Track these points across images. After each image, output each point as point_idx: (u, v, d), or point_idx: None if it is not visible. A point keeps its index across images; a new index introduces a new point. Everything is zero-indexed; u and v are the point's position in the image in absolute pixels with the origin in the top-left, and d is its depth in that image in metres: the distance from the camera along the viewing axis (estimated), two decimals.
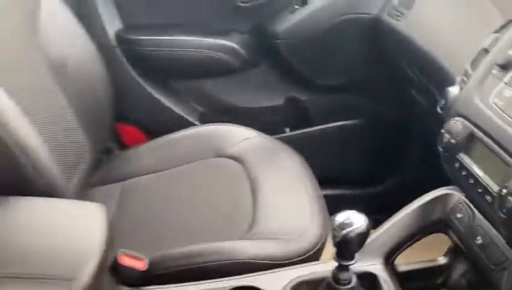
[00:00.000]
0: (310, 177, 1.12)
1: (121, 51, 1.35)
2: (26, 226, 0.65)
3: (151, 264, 0.85)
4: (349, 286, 0.72)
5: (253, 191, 1.06)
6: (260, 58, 1.44)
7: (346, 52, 1.38)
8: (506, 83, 0.70)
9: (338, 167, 1.45)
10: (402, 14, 1.22)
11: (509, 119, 0.66)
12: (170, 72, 1.43)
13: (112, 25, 1.34)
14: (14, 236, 0.62)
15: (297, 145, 1.24)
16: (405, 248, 0.89)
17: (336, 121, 1.47)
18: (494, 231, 0.74)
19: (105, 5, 1.32)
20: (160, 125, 1.39)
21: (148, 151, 1.26)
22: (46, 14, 1.08)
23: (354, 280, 0.73)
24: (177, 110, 1.44)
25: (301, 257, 0.90)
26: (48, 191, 0.81)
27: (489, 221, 0.75)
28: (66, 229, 0.66)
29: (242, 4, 1.37)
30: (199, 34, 1.38)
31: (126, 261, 0.81)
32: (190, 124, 1.39)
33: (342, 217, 0.68)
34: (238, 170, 1.14)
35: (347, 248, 0.68)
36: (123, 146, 1.44)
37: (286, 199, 1.05)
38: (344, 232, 0.66)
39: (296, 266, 0.86)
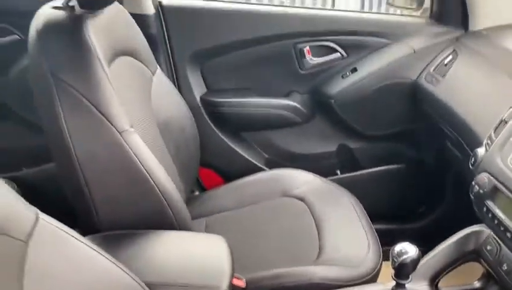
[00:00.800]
0: (363, 213, 1.36)
1: (204, 110, 1.65)
2: (178, 252, 0.92)
3: (248, 283, 1.11)
4: None
5: (318, 225, 1.29)
6: (317, 114, 1.72)
7: (389, 109, 1.64)
8: None
9: (384, 205, 1.68)
10: (438, 80, 1.48)
11: None
12: (243, 125, 1.71)
13: (199, 89, 1.65)
14: (172, 259, 0.89)
15: (348, 186, 1.49)
16: (446, 273, 1.13)
17: (381, 165, 1.73)
18: None
19: (193, 75, 1.64)
20: (234, 169, 1.67)
21: (226, 192, 1.49)
22: (155, 83, 1.31)
23: None
24: (248, 156, 1.71)
25: (362, 279, 1.15)
26: (183, 225, 1.04)
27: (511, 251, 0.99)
28: (204, 256, 0.93)
29: (302, 72, 1.67)
30: (266, 95, 1.68)
31: (233, 280, 1.07)
32: (259, 169, 1.66)
33: (399, 247, 0.93)
34: (302, 208, 1.36)
35: (403, 270, 0.93)
36: (203, 188, 1.73)
37: (346, 232, 1.28)
38: (401, 258, 0.92)
39: (359, 286, 1.11)
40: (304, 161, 1.73)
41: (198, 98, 1.64)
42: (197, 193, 1.69)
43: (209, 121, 1.67)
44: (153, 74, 1.33)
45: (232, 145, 1.71)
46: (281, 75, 1.67)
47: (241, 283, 1.10)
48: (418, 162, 1.70)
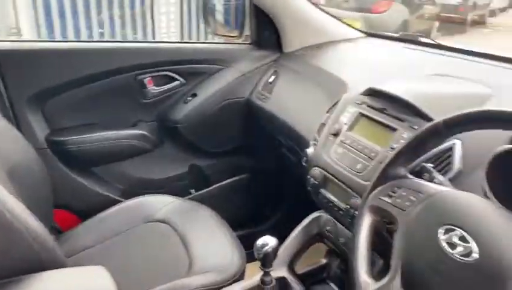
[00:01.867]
0: (222, 223, 1.50)
1: (51, 150, 1.63)
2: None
3: None
4: (271, 285, 1.13)
5: (184, 241, 1.37)
6: (165, 139, 1.83)
7: (229, 127, 1.84)
8: (337, 144, 1.21)
9: (239, 213, 1.86)
10: (266, 97, 1.73)
11: (343, 164, 1.16)
12: (93, 161, 1.72)
13: (43, 130, 1.62)
14: None
15: (204, 201, 1.63)
16: (300, 257, 1.34)
17: (229, 178, 1.92)
18: (348, 231, 1.22)
19: (34, 117, 1.60)
20: (90, 206, 1.65)
21: (85, 230, 1.46)
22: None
23: (274, 281, 1.14)
24: (102, 191, 1.74)
25: (233, 279, 1.29)
26: (52, 263, 0.97)
27: (345, 227, 1.24)
28: (90, 287, 0.95)
29: (145, 101, 1.76)
30: (114, 127, 1.73)
31: None
32: (116, 201, 1.69)
33: (261, 240, 1.10)
34: (166, 229, 1.44)
35: (267, 259, 1.09)
36: (59, 231, 1.68)
37: (211, 242, 1.40)
38: (264, 249, 1.08)
39: (231, 286, 1.25)
40: (159, 186, 1.82)
41: (43, 139, 1.62)
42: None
43: (57, 161, 1.65)
44: None
45: (85, 182, 1.72)
46: (125, 106, 1.74)
47: None
48: (260, 171, 1.93)
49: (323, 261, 1.39)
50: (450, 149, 1.00)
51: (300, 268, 1.34)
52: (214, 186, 1.89)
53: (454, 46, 1.58)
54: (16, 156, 1.31)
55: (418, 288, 0.74)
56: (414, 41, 1.70)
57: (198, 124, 1.79)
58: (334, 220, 1.27)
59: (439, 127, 0.79)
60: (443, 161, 1.00)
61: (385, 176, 0.86)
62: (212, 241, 1.41)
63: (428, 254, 0.73)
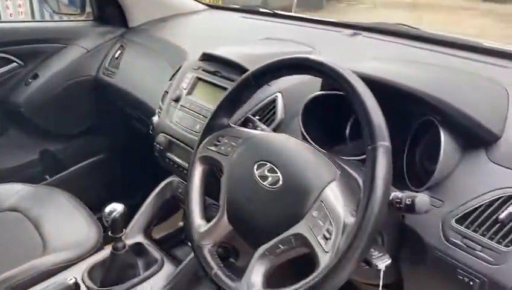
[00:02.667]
0: (78, 204, 1.47)
1: None
2: None
3: None
4: (124, 251, 1.15)
5: (36, 226, 1.33)
6: (10, 126, 1.72)
7: (79, 107, 1.79)
8: (178, 109, 1.26)
9: (98, 194, 1.83)
10: (113, 72, 1.71)
11: (184, 127, 1.21)
12: None
13: None
14: None
15: (60, 186, 1.58)
16: (157, 223, 1.38)
17: (85, 160, 1.87)
18: None
19: None
20: None
21: None
22: None
23: (126, 246, 1.16)
24: None
25: (89, 254, 1.28)
26: None
27: None
28: None
29: None
30: None
31: None
32: None
33: (108, 208, 1.11)
34: (17, 217, 1.39)
35: (116, 225, 1.11)
36: None
37: (66, 223, 1.38)
38: (111, 216, 1.10)
39: (85, 260, 1.24)
40: (9, 175, 1.71)
41: None
42: None
43: None
44: None
45: None
46: None
47: None
48: (117, 149, 1.91)
49: (181, 224, 1.45)
50: (274, 101, 1.10)
51: (157, 234, 1.39)
52: (70, 169, 1.84)
53: (288, 14, 1.72)
54: None
55: (239, 220, 0.83)
56: (253, 12, 1.80)
57: (44, 106, 1.72)
58: (182, 180, 1.33)
59: (249, 79, 0.88)
60: (268, 113, 1.10)
61: (210, 128, 0.93)
62: (67, 222, 1.39)
63: (245, 188, 0.82)
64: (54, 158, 1.84)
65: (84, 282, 1.15)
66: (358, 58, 1.14)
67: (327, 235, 0.70)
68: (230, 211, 0.84)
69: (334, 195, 0.74)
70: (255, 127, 0.99)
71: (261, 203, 0.79)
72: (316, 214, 0.72)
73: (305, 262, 0.75)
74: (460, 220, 0.79)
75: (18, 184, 1.50)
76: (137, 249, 1.26)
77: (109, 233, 1.13)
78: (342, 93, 0.88)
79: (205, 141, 0.92)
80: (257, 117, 1.08)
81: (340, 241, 0.68)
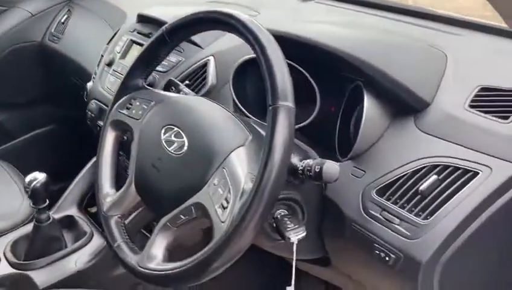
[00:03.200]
0: (18, 176, 1.37)
1: None
2: None
3: None
4: (47, 223, 1.08)
5: None
6: None
7: (24, 74, 1.69)
8: (110, 74, 1.18)
9: (47, 167, 1.76)
10: (59, 38, 1.62)
11: (110, 90, 1.14)
12: None
13: None
14: None
15: (5, 156, 1.51)
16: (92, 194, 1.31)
17: (32, 131, 1.79)
18: None
19: None
20: None
21: None
22: None
23: (51, 218, 1.09)
24: None
25: (22, 224, 1.20)
26: None
27: None
28: None
29: None
30: None
31: None
32: None
33: (28, 177, 1.04)
34: None
35: (37, 195, 1.04)
36: None
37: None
38: (32, 185, 1.03)
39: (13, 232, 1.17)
40: None
41: None
42: None
43: None
44: None
45: None
46: None
47: None
48: (67, 119, 1.83)
49: None
50: (205, 65, 1.03)
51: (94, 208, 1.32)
52: (18, 140, 1.76)
53: None
54: None
55: (145, 189, 0.77)
56: None
57: None
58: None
59: (162, 36, 0.80)
60: (199, 78, 1.03)
61: (124, 90, 0.86)
62: (2, 192, 1.32)
63: (152, 154, 0.75)
64: (0, 128, 1.75)
65: (5, 255, 1.08)
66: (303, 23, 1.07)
67: (225, 204, 0.63)
68: (138, 179, 0.77)
69: (239, 161, 0.67)
70: (178, 91, 0.92)
71: (166, 171, 0.73)
72: (217, 181, 0.66)
73: None
74: (380, 191, 0.74)
75: None
76: (67, 222, 1.19)
77: (30, 204, 1.07)
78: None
79: (118, 103, 0.85)
80: (186, 82, 1.01)
81: (235, 209, 0.62)
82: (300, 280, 1.38)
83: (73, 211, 1.23)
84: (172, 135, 0.73)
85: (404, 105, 0.79)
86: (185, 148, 0.71)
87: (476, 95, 0.76)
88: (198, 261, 0.63)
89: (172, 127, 0.74)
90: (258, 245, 0.81)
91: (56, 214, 1.17)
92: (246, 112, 0.92)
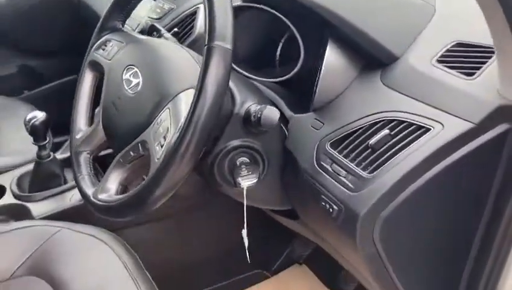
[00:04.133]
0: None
1: None
2: None
3: None
4: (48, 160, 1.15)
5: None
6: None
7: (57, 23, 1.77)
8: None
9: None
10: None
11: None
12: None
13: None
14: None
15: (37, 101, 1.60)
16: None
17: (63, 78, 1.88)
18: None
19: None
20: None
21: None
22: None
23: (51, 155, 1.16)
24: None
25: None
26: None
27: None
28: None
29: None
30: None
31: None
32: None
33: (30, 115, 1.10)
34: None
35: (38, 132, 1.11)
36: None
37: (19, 132, 1.33)
38: (31, 123, 1.09)
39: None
40: None
41: None
42: None
43: None
44: None
45: None
46: None
47: None
48: None
49: None
50: (195, 13, 1.03)
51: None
52: (47, 86, 1.85)
53: None
54: None
55: (107, 126, 0.80)
56: None
57: (18, 21, 1.71)
58: None
59: None
60: (187, 26, 1.04)
61: (101, 31, 0.88)
62: (20, 132, 1.40)
63: (114, 93, 0.78)
64: (32, 73, 1.85)
65: (11, 188, 1.17)
66: None
67: (162, 142, 0.65)
68: (103, 118, 0.81)
69: (186, 102, 0.68)
70: (159, 37, 0.93)
71: (122, 109, 0.75)
72: (160, 120, 0.68)
73: None
74: (335, 144, 0.73)
75: None
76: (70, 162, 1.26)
77: (31, 141, 1.13)
78: (265, 7, 0.82)
79: (95, 44, 0.88)
80: (175, 30, 1.02)
81: (170, 145, 0.63)
82: (291, 241, 1.40)
83: None
84: (131, 75, 0.75)
85: (371, 58, 0.76)
86: (139, 87, 0.73)
87: (448, 50, 0.72)
88: (136, 193, 0.65)
89: (133, 66, 0.76)
90: (221, 190, 0.83)
91: (61, 155, 1.24)
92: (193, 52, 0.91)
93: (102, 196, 0.73)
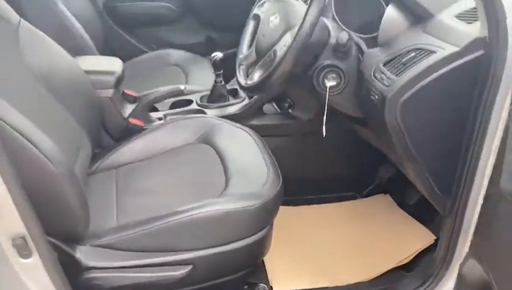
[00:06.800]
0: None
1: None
2: None
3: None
4: (219, 84, 1.81)
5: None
6: (187, 15, 2.49)
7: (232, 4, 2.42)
8: None
9: None
10: None
11: None
12: (134, 23, 2.47)
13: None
14: None
15: None
16: None
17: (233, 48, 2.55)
18: None
19: None
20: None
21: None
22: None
23: (222, 82, 1.82)
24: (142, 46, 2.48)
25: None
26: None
27: None
28: None
29: None
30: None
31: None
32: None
33: (213, 54, 1.77)
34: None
35: (214, 65, 1.77)
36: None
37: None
38: (213, 58, 1.76)
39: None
40: (181, 47, 2.48)
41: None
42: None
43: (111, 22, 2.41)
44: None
45: (132, 40, 2.47)
46: None
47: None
48: None
49: None
50: None
51: None
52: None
53: None
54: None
55: (257, 48, 1.39)
56: None
57: (209, 4, 2.42)
58: None
59: None
60: None
61: None
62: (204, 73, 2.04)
63: (263, 29, 1.38)
64: (214, 43, 2.57)
65: (196, 101, 1.83)
66: None
67: (283, 50, 1.23)
68: (256, 44, 1.42)
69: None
70: None
71: (266, 36, 1.35)
72: (283, 39, 1.25)
73: None
74: (385, 64, 1.21)
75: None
76: (233, 91, 1.89)
77: (212, 72, 1.80)
78: None
79: (257, 5, 1.49)
80: None
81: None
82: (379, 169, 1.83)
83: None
84: (274, 17, 1.35)
85: (417, 15, 1.23)
86: (277, 24, 1.32)
87: (466, 11, 1.16)
88: (264, 77, 1.24)
89: (275, 13, 1.35)
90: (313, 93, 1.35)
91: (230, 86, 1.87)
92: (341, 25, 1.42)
93: (248, 82, 1.33)
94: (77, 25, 1.81)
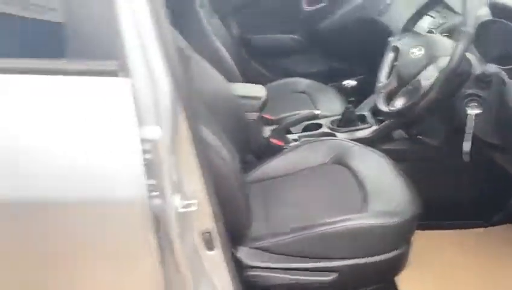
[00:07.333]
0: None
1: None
2: None
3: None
4: (350, 110, 1.93)
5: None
6: (309, 45, 2.67)
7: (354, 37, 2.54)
8: None
9: None
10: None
11: None
12: (266, 53, 2.68)
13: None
14: None
15: None
16: None
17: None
18: None
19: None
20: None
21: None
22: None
23: (351, 108, 1.94)
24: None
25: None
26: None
27: None
28: None
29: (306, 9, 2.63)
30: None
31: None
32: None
33: (345, 81, 1.91)
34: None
35: (347, 92, 1.90)
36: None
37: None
38: (344, 85, 1.90)
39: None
40: (302, 76, 2.64)
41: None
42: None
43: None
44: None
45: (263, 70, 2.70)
46: (286, 17, 2.64)
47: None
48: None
49: None
50: None
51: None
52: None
53: None
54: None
55: (398, 77, 1.50)
56: None
57: (337, 34, 2.56)
58: None
59: None
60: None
61: (404, 31, 1.61)
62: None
63: (403, 60, 1.49)
64: (334, 71, 2.70)
65: (326, 124, 1.98)
66: None
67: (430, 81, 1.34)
68: (397, 73, 1.53)
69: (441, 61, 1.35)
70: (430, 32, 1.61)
71: (406, 66, 1.47)
72: (427, 70, 1.37)
73: None
74: None
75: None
76: (361, 116, 2.00)
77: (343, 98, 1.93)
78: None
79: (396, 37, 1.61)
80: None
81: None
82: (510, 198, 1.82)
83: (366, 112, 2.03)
84: (416, 49, 1.45)
85: None
86: (421, 55, 1.44)
87: None
88: (405, 106, 1.36)
89: (418, 46, 1.46)
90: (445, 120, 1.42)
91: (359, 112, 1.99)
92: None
93: (390, 108, 1.44)
94: (226, 54, 2.04)
